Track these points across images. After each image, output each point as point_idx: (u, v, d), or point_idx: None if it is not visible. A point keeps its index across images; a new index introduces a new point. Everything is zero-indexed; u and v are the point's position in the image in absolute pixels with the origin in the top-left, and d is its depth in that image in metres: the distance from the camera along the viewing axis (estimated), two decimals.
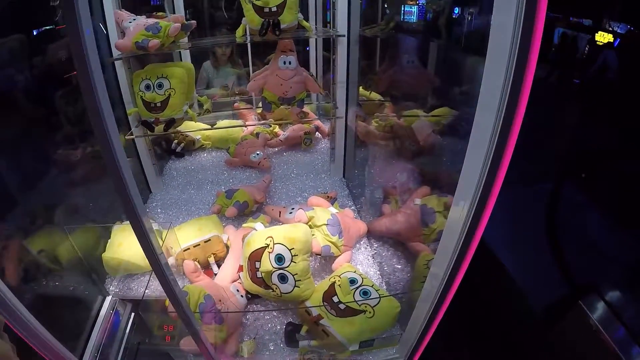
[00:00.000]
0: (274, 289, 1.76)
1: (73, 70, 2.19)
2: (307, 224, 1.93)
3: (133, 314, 2.03)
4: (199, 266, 1.97)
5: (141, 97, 2.22)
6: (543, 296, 2.43)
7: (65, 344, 1.64)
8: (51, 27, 2.05)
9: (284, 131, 3.10)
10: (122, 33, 2.10)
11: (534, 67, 0.80)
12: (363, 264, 2.11)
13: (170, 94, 2.21)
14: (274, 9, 2.03)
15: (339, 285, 1.77)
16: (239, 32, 2.18)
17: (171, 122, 2.28)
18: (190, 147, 3.06)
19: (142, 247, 1.12)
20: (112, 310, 2.00)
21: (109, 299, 2.04)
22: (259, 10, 2.04)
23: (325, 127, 3.08)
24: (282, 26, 2.06)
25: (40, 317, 1.50)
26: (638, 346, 1.73)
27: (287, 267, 1.72)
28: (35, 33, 1.95)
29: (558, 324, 2.20)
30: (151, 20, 2.06)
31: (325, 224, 1.96)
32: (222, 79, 3.42)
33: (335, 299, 1.74)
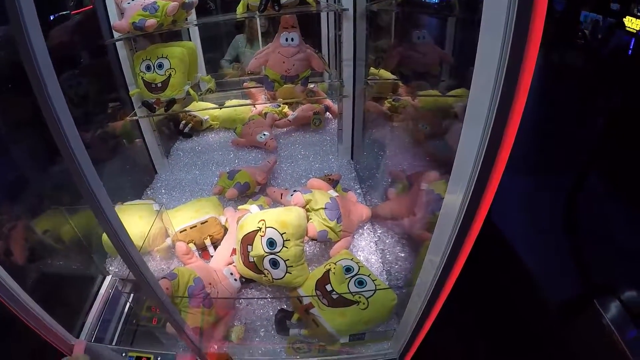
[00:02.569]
0: (266, 274, 1.70)
1: (77, 53, 2.20)
2: (304, 207, 1.85)
3: (132, 294, 2.02)
4: (192, 248, 1.93)
5: (142, 77, 2.20)
6: (558, 291, 2.31)
7: (63, 322, 1.64)
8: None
9: (294, 111, 3.01)
10: (122, 14, 2.07)
11: (538, 38, 0.70)
12: (364, 251, 2.02)
13: (170, 74, 2.18)
14: None
15: (334, 273, 1.70)
16: (239, 9, 2.10)
17: (172, 103, 2.24)
18: (198, 127, 3.03)
19: (102, 227, 1.06)
20: (112, 290, 2.00)
21: (108, 278, 2.04)
22: None
23: (336, 107, 2.97)
24: (282, 1, 1.97)
25: (39, 295, 1.51)
26: None
27: (279, 252, 1.65)
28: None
29: (571, 321, 2.10)
30: (149, 0, 2.01)
31: (323, 208, 1.87)
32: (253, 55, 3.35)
33: (328, 287, 1.66)
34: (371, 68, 2.52)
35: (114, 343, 1.82)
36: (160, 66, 2.14)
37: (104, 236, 1.96)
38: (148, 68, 2.16)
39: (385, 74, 2.56)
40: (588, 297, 2.11)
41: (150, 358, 1.58)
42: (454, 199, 0.98)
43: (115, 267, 2.06)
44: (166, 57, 2.15)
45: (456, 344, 2.29)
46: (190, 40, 3.00)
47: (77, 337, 1.75)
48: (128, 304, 1.99)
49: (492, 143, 0.82)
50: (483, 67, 0.79)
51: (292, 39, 2.12)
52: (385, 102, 2.62)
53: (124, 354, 1.61)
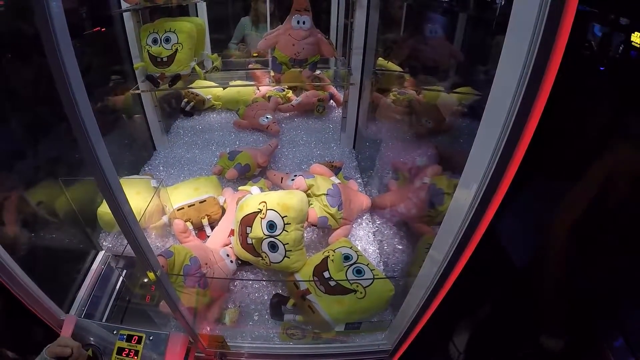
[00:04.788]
0: (263, 257, 1.68)
1: (83, 21, 2.14)
2: (305, 192, 1.83)
3: (125, 270, 1.99)
4: (189, 227, 1.90)
5: (148, 50, 2.15)
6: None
7: (53, 296, 1.62)
8: None
9: (298, 96, 2.98)
10: None
11: (562, 48, 0.70)
12: (362, 240, 2.01)
13: (177, 49, 2.14)
14: None
15: (332, 260, 1.68)
16: None
17: (176, 78, 2.20)
18: (200, 106, 2.99)
19: (105, 200, 1.03)
20: (104, 266, 1.97)
21: (101, 254, 2.01)
22: None
23: (341, 96, 2.94)
24: None
25: (30, 268, 1.49)
26: (635, 358, 1.63)
27: (278, 235, 1.63)
28: None
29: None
30: None
31: (325, 194, 1.85)
32: (259, 37, 3.32)
33: (326, 274, 1.64)
34: (379, 59, 2.50)
35: (104, 320, 1.80)
36: (168, 40, 2.10)
37: (100, 210, 1.94)
38: (155, 41, 2.12)
39: (393, 66, 2.54)
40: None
41: (142, 337, 1.55)
42: (464, 197, 0.97)
43: (109, 243, 2.03)
44: (174, 32, 2.10)
45: (447, 341, 2.29)
46: (197, 15, 2.96)
47: (67, 312, 1.72)
48: (119, 281, 1.97)
49: (509, 145, 0.82)
50: (507, 69, 0.78)
51: (304, 22, 2.08)
52: (390, 94, 2.60)
53: (114, 332, 1.58)
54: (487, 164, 0.86)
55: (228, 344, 1.64)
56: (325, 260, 1.69)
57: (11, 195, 1.68)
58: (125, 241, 1.51)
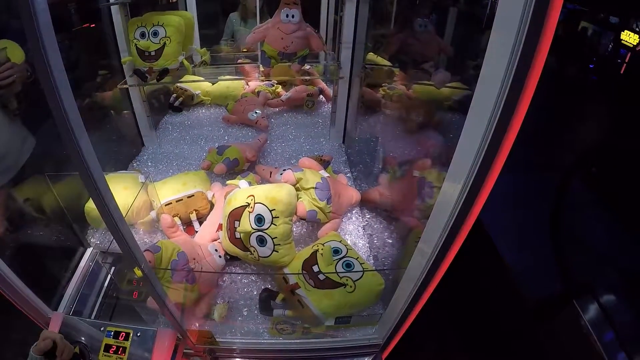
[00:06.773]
0: (252, 252, 1.66)
1: (69, 15, 2.11)
2: (294, 185, 1.81)
3: (113, 267, 1.97)
4: (177, 222, 1.88)
5: (135, 44, 2.13)
6: (539, 290, 2.33)
7: (40, 293, 1.59)
8: None
9: (287, 92, 2.97)
10: None
11: (548, 42, 0.70)
12: (352, 235, 2.00)
13: (165, 43, 2.12)
14: None
15: (321, 254, 1.67)
16: None
17: (165, 72, 2.18)
18: (189, 102, 2.97)
19: (90, 195, 1.01)
20: (92, 263, 1.95)
21: (89, 250, 1.98)
22: None
23: (330, 90, 2.93)
24: None
25: (17, 265, 1.46)
26: (624, 352, 1.64)
27: (267, 229, 1.61)
28: None
29: (549, 320, 2.11)
30: None
31: (313, 187, 1.84)
32: (248, 33, 3.31)
33: (315, 268, 1.63)
34: (369, 53, 2.50)
35: (92, 317, 1.79)
36: (155, 34, 2.08)
37: (87, 206, 1.91)
38: (142, 35, 2.10)
39: (383, 61, 2.53)
40: (567, 297, 2.12)
41: (129, 333, 1.54)
42: (452, 190, 0.97)
43: (97, 239, 2.00)
44: (162, 25, 2.08)
45: (436, 335, 2.30)
46: (186, 10, 2.94)
47: (55, 309, 1.70)
48: (107, 278, 1.95)
49: (495, 138, 0.81)
50: (493, 64, 0.78)
51: (293, 16, 2.06)
52: (380, 89, 2.60)
53: (102, 329, 1.56)
54: (474, 156, 0.86)
55: (217, 339, 1.62)
56: (314, 254, 1.68)
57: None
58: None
